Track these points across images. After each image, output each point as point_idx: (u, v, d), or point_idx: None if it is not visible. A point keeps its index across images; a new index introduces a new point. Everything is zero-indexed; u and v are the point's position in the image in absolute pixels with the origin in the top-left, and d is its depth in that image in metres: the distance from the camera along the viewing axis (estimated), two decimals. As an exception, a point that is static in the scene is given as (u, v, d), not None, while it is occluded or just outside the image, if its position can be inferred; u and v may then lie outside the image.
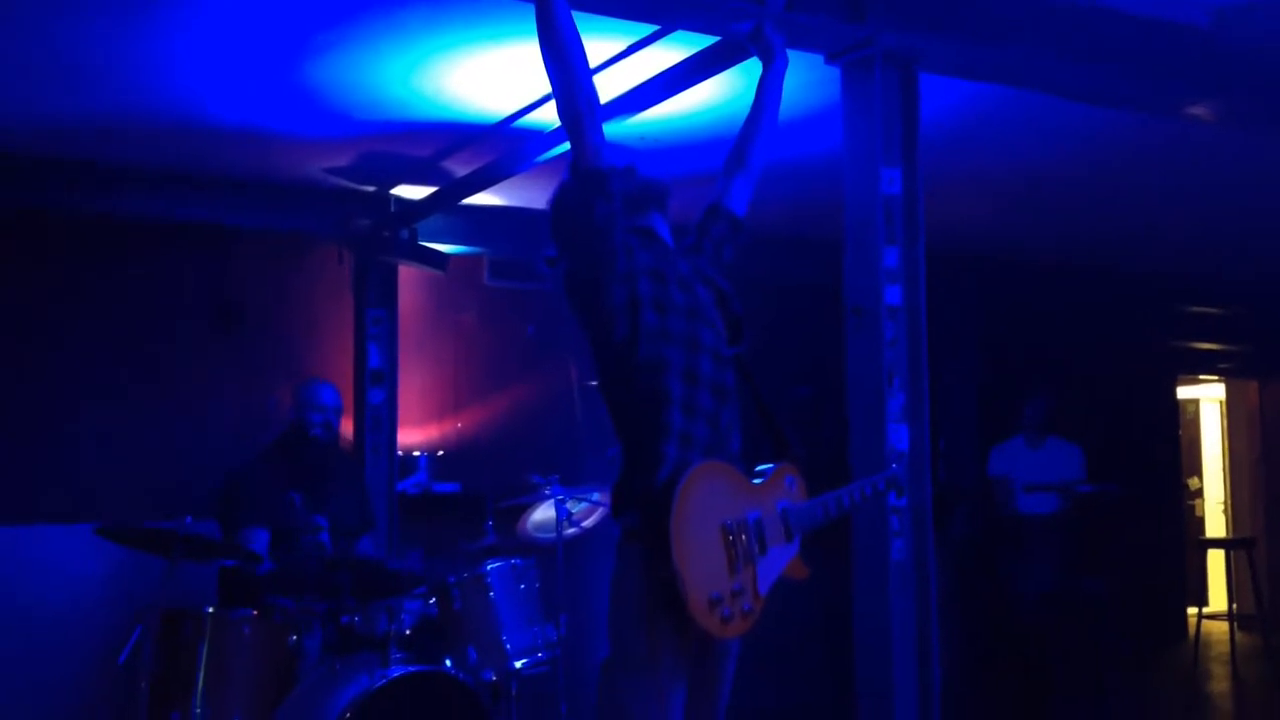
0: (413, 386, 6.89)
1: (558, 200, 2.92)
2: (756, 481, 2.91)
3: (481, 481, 6.50)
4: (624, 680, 2.78)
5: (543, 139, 4.99)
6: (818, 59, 3.62)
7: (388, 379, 6.57)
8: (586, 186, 2.82)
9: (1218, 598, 11.32)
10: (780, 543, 2.90)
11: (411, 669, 4.17)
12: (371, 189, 6.31)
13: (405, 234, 6.39)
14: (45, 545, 5.92)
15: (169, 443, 6.20)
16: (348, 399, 6.04)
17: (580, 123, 2.85)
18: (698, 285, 2.99)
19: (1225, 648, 9.52)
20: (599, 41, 4.26)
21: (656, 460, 2.77)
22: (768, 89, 3.41)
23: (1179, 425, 11.39)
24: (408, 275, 6.73)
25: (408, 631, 4.42)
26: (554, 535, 5.22)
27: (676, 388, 2.82)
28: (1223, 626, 10.12)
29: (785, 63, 3.40)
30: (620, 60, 4.35)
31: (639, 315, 2.81)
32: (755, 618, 2.83)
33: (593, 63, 4.37)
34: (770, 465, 2.96)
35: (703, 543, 2.72)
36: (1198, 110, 4.38)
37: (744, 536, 2.79)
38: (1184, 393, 11.91)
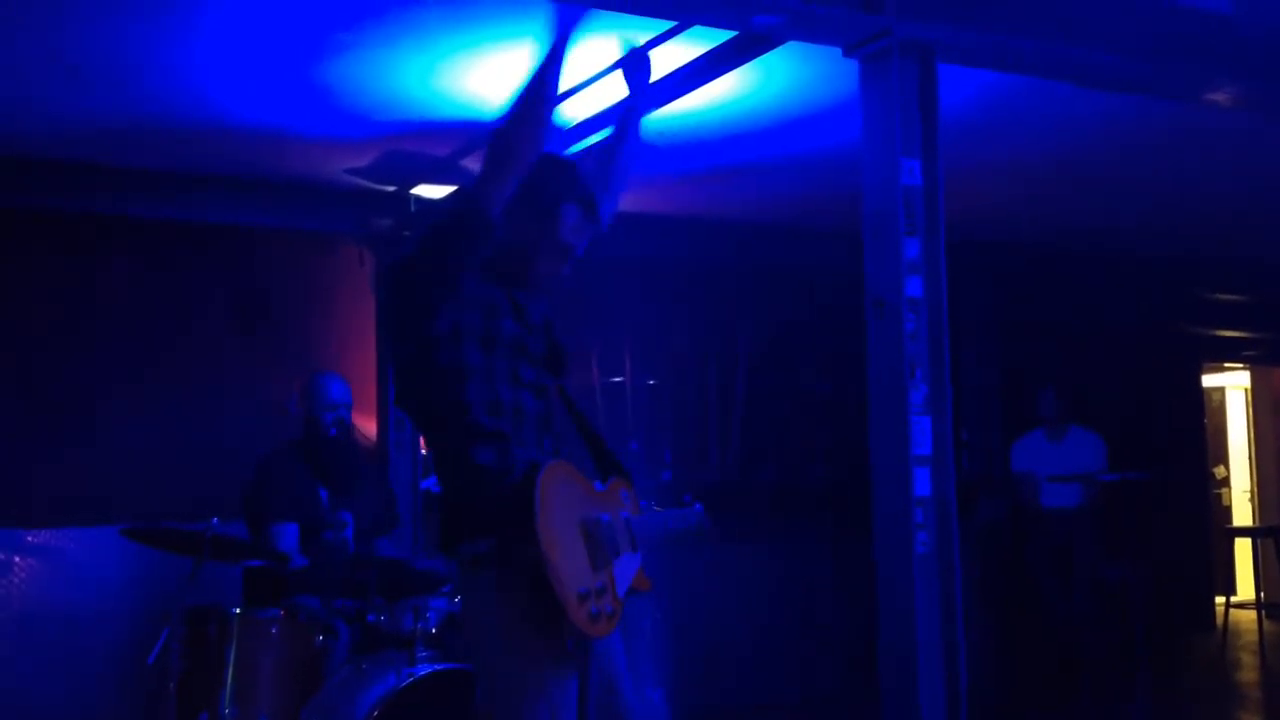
0: (434, 385, 6.89)
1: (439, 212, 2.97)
2: (599, 488, 2.93)
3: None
4: (505, 716, 2.75)
5: (562, 136, 4.99)
6: (835, 51, 3.61)
7: (410, 378, 6.57)
8: (468, 221, 2.84)
9: (1245, 586, 11.24)
10: (628, 550, 2.92)
11: (438, 667, 4.18)
12: (391, 189, 6.33)
13: (425, 233, 6.39)
14: (73, 547, 5.97)
15: (194, 443, 6.22)
16: (370, 398, 6.06)
17: (510, 171, 2.88)
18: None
19: (1254, 636, 9.47)
20: (615, 38, 4.26)
21: (505, 469, 2.77)
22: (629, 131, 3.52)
23: (1204, 413, 11.32)
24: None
25: (434, 630, 4.43)
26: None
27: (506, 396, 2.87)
28: (1251, 615, 10.06)
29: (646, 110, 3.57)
30: (637, 56, 4.34)
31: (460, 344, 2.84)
32: (616, 620, 2.81)
33: (610, 60, 4.40)
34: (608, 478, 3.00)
35: (566, 537, 2.71)
36: (1219, 96, 4.35)
37: (601, 534, 2.80)
38: (1209, 380, 11.83)
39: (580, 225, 3.04)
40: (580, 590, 2.68)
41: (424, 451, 6.81)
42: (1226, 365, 12.16)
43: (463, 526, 2.84)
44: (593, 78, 4.61)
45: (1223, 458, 12.59)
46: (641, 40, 3.68)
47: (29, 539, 5.90)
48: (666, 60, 4.28)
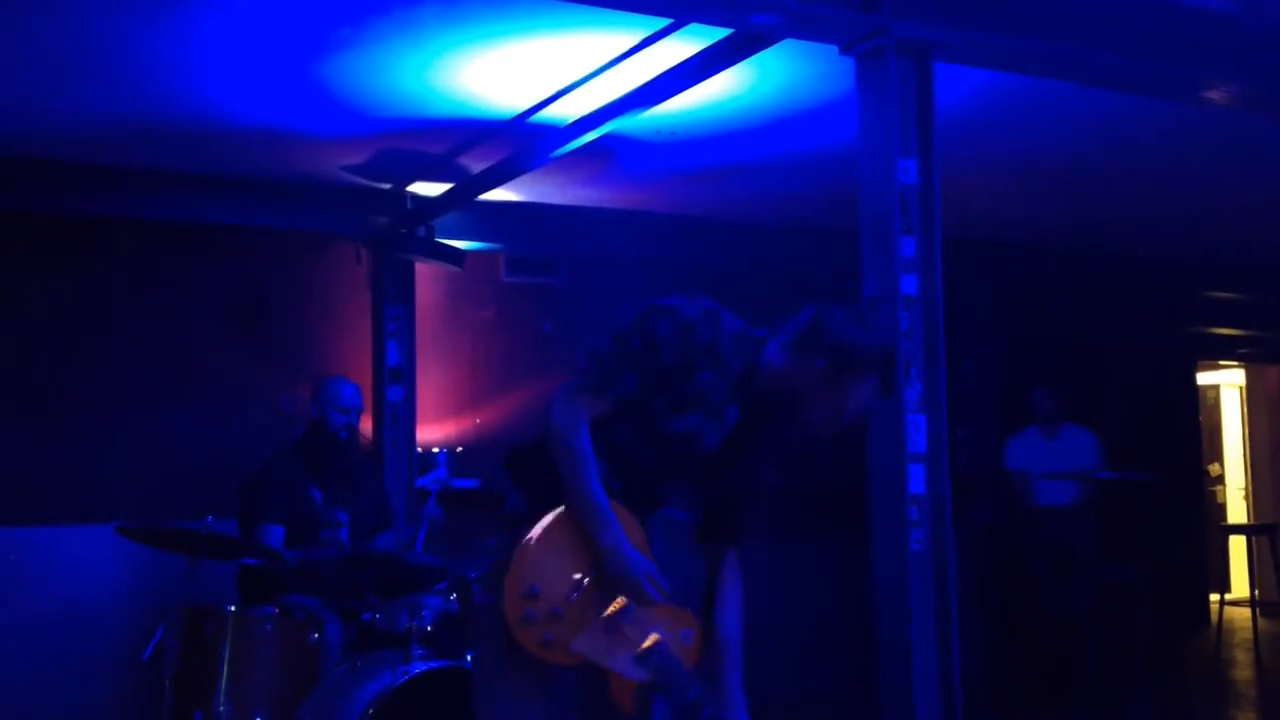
0: (431, 383, 6.90)
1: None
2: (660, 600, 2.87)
3: (501, 477, 6.51)
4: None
5: (558, 134, 4.99)
6: (832, 50, 3.61)
7: (406, 376, 6.59)
8: None
9: (1240, 584, 11.27)
10: (628, 648, 2.83)
11: (434, 665, 4.19)
12: (388, 186, 6.33)
13: (422, 231, 6.40)
14: (70, 545, 5.97)
15: (190, 442, 6.22)
16: (366, 396, 6.05)
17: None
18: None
19: (1248, 634, 9.49)
20: (613, 36, 4.26)
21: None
22: None
23: (1199, 411, 11.34)
24: (425, 272, 6.74)
25: (429, 628, 4.44)
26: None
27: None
28: (1245, 613, 10.08)
29: None
30: (635, 54, 4.34)
31: None
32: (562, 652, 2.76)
33: (607, 58, 4.40)
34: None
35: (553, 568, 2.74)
36: (1216, 94, 4.35)
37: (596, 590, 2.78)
38: (1204, 378, 11.85)
39: (869, 401, 2.84)
40: (528, 612, 2.71)
41: (438, 450, 6.82)
42: (1222, 363, 12.18)
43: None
44: (587, 76, 4.61)
45: (1217, 455, 12.62)
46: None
47: (26, 536, 5.90)
48: (662, 58, 4.28)
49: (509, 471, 2.93)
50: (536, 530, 2.73)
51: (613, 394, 2.74)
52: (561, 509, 2.76)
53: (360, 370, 6.42)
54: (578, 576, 2.77)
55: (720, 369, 2.78)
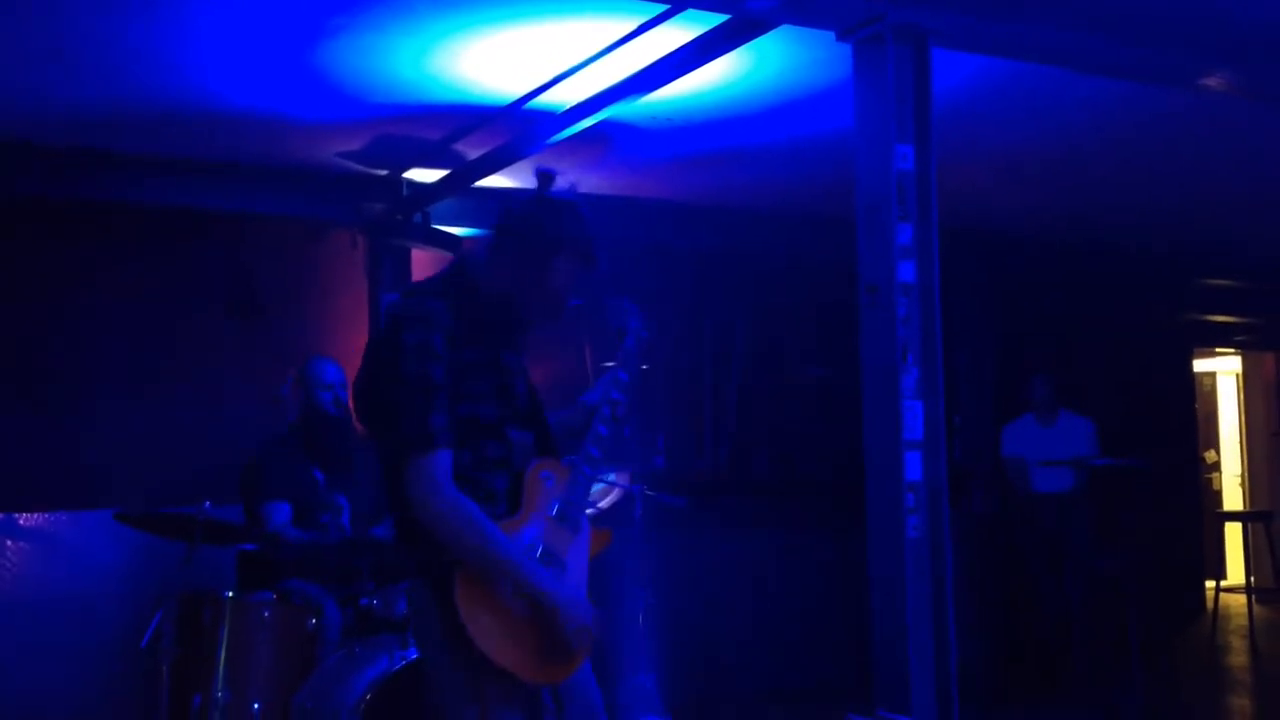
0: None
1: None
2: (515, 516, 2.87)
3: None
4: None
5: (554, 120, 4.99)
6: (829, 36, 3.61)
7: (403, 363, 6.57)
8: None
9: (1235, 571, 11.30)
10: (570, 542, 2.91)
11: (431, 651, 4.18)
12: (384, 173, 6.32)
13: (418, 218, 6.39)
14: (67, 531, 5.97)
15: (186, 428, 6.22)
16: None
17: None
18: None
19: (1243, 621, 9.52)
20: (610, 22, 4.25)
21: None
22: None
23: (1195, 398, 11.35)
24: (422, 259, 6.74)
25: (427, 613, 4.43)
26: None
27: None
28: (1241, 600, 10.11)
29: None
30: (631, 40, 4.34)
31: None
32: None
33: (603, 44, 4.39)
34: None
35: (507, 629, 2.74)
36: (1213, 81, 4.35)
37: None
38: (1200, 366, 11.86)
39: (576, 277, 2.96)
40: (535, 653, 2.74)
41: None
42: (1218, 350, 12.19)
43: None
44: (584, 62, 4.61)
45: (1214, 442, 12.64)
46: None
47: (22, 523, 5.90)
48: (658, 44, 4.28)
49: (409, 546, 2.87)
50: (474, 623, 2.69)
51: (440, 419, 2.72)
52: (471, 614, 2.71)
53: (357, 357, 6.40)
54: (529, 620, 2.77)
55: (443, 327, 2.78)
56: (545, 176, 3.02)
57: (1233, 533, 11.40)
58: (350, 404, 5.19)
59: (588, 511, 3.02)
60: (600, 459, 3.06)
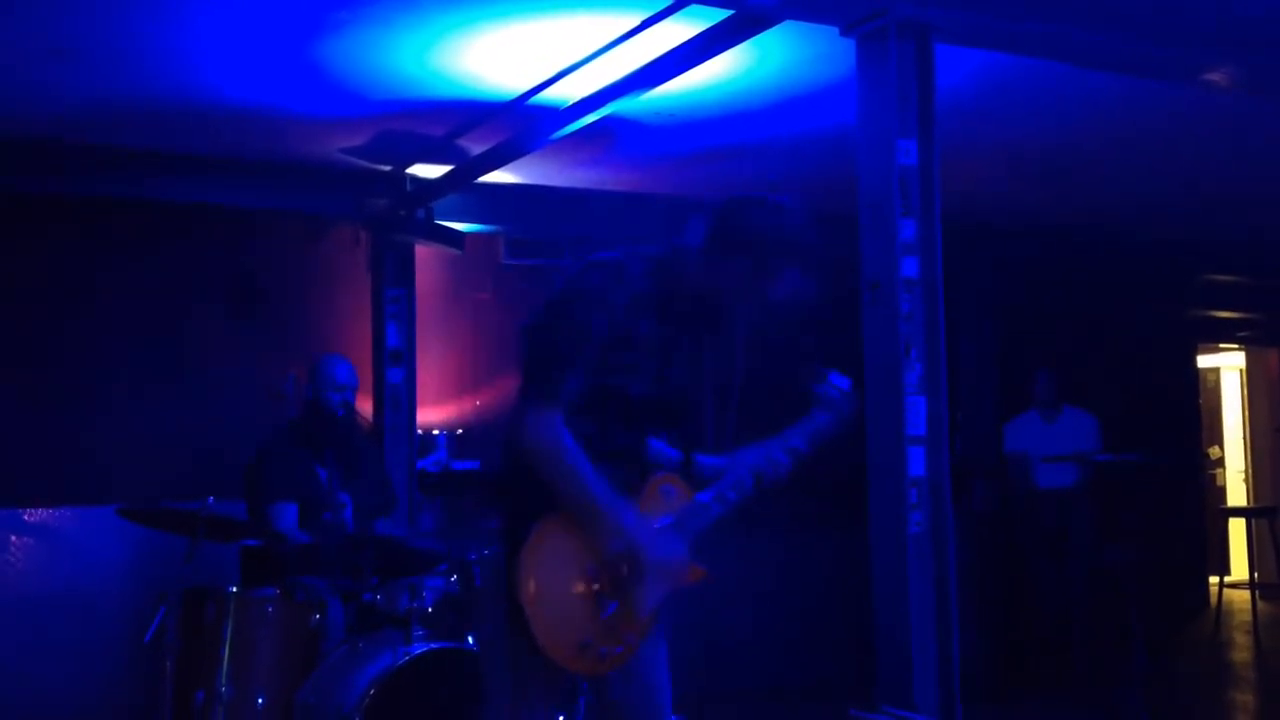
0: (431, 365, 6.90)
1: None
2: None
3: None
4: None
5: (558, 116, 4.98)
6: (832, 31, 3.60)
7: (406, 358, 6.58)
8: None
9: (1239, 567, 11.29)
10: (653, 566, 2.77)
11: (434, 646, 4.19)
12: (387, 169, 6.32)
13: (421, 213, 6.39)
14: (70, 527, 5.98)
15: (189, 424, 6.23)
16: (366, 378, 6.06)
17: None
18: None
19: (1247, 616, 9.52)
20: (613, 17, 4.25)
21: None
22: None
23: (1199, 394, 11.34)
24: (425, 254, 6.74)
25: (430, 609, 4.44)
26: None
27: None
28: (1244, 595, 10.11)
29: None
30: (635, 35, 4.33)
31: None
32: (632, 650, 2.76)
33: (607, 39, 4.38)
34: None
35: (556, 595, 2.63)
36: (1216, 76, 4.34)
37: (604, 575, 2.68)
38: (1204, 361, 11.85)
39: (799, 291, 2.85)
40: (581, 642, 2.64)
41: (438, 433, 6.82)
42: (1222, 346, 12.17)
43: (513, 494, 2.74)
44: (587, 57, 4.60)
45: (1217, 438, 12.62)
46: None
47: (26, 518, 5.92)
48: (662, 40, 4.27)
49: (499, 503, 2.80)
50: (531, 587, 2.61)
51: (572, 381, 2.63)
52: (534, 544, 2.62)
53: (360, 353, 6.42)
54: (596, 589, 2.68)
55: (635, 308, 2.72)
56: (774, 186, 3.01)
57: (1236, 528, 11.40)
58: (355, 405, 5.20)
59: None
60: (733, 503, 2.98)
